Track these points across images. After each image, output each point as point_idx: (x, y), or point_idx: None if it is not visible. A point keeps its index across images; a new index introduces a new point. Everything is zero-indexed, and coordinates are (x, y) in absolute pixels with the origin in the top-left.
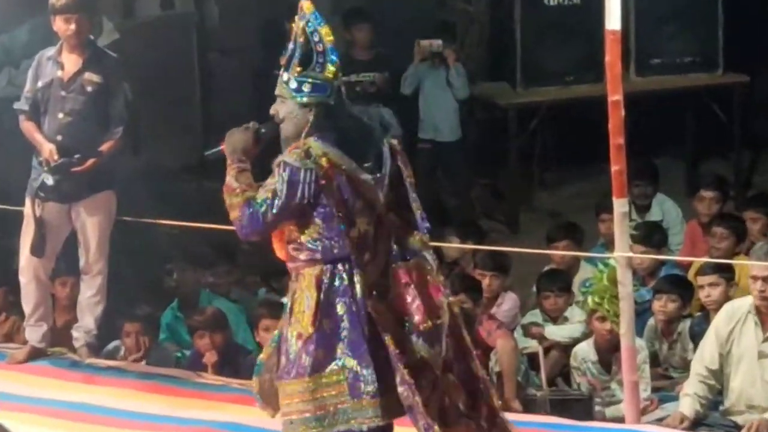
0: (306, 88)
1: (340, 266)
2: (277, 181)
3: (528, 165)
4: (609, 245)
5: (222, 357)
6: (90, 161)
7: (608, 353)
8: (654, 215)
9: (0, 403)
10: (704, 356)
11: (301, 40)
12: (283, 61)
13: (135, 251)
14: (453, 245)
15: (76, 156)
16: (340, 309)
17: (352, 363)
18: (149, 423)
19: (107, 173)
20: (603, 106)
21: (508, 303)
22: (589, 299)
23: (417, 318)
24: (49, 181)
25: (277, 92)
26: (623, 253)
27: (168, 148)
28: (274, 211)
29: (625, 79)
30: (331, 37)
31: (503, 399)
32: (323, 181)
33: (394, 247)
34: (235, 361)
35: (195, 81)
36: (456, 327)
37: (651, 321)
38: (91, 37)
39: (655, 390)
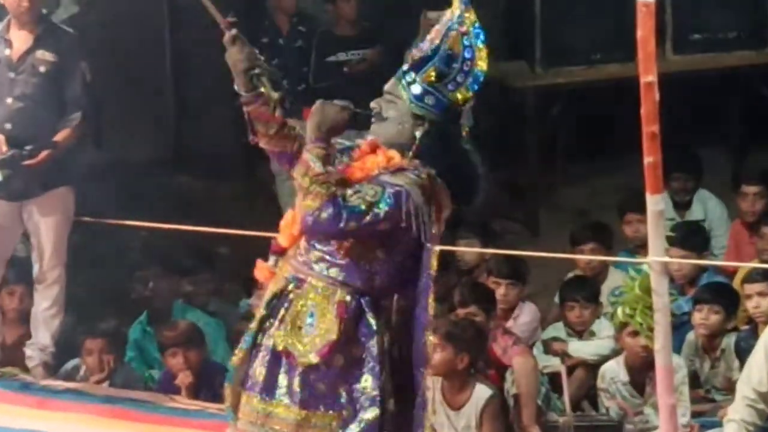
0: (429, 100)
1: (369, 299)
2: (382, 196)
3: (549, 157)
4: (637, 250)
5: (198, 378)
6: (44, 153)
7: (641, 373)
8: (695, 214)
9: None
10: (752, 376)
11: (449, 47)
12: (412, 56)
13: (98, 257)
14: (462, 249)
15: (28, 147)
16: (359, 350)
17: (350, 414)
18: None
19: (63, 167)
20: (635, 89)
21: (526, 315)
22: (619, 311)
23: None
24: (37, 189)
25: (387, 88)
26: (658, 257)
27: (135, 140)
28: (361, 224)
29: (661, 57)
30: (485, 64)
31: (521, 426)
32: (429, 206)
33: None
34: (213, 383)
35: (166, 62)
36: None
37: (691, 336)
38: (44, 11)
39: (695, 415)
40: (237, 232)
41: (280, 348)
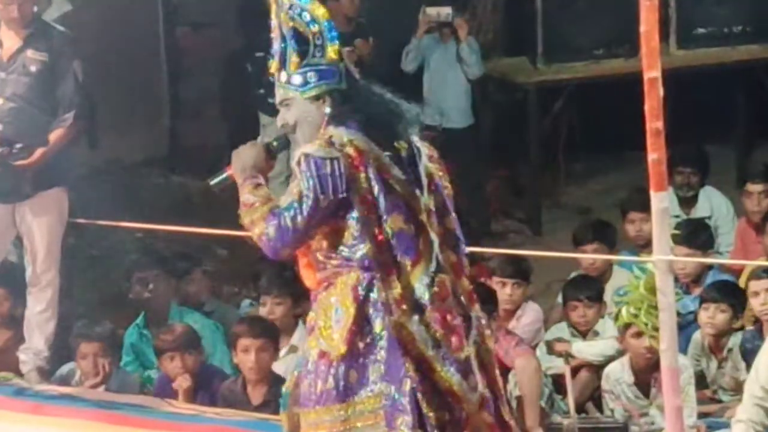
0: (312, 78)
1: (378, 274)
2: (301, 180)
3: (551, 154)
4: (640, 250)
5: (195, 382)
6: (37, 153)
7: (646, 374)
8: (701, 211)
9: None
10: (760, 375)
11: (289, 27)
12: (273, 67)
13: (92, 258)
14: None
15: (18, 146)
16: (377, 326)
17: (389, 389)
18: None
19: (57, 168)
20: (638, 85)
21: (529, 315)
22: (624, 311)
23: (454, 341)
24: (28, 188)
25: (278, 99)
26: (663, 256)
27: (130, 140)
28: (305, 214)
29: (665, 52)
30: (324, 11)
31: (524, 428)
32: (352, 171)
33: (439, 254)
34: (210, 387)
35: (161, 61)
36: (491, 364)
37: (697, 335)
38: (35, 8)
39: (702, 416)
40: (234, 233)
41: (315, 352)
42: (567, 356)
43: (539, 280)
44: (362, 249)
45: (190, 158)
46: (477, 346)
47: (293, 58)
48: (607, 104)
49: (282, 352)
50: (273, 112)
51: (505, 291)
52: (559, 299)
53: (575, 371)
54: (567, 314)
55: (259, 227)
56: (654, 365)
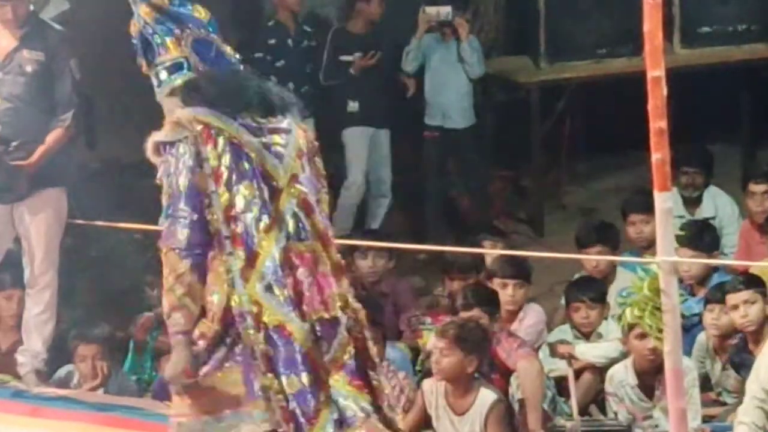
0: (163, 75)
1: (226, 248)
2: (164, 174)
3: (554, 155)
4: (642, 251)
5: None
6: (36, 153)
7: (650, 376)
8: (705, 211)
9: None
10: (761, 376)
11: (138, 34)
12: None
13: (91, 260)
14: (465, 249)
15: (14, 143)
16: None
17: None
18: None
19: (55, 168)
20: (642, 84)
21: (531, 317)
22: (628, 312)
23: (309, 302)
24: (23, 187)
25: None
26: (667, 257)
27: (128, 140)
28: (183, 205)
29: (668, 51)
30: (147, 11)
31: (526, 429)
32: (202, 148)
33: (304, 221)
34: None
35: None
36: (360, 339)
37: (701, 337)
38: (32, 7)
39: (706, 419)
40: None
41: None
42: (570, 358)
43: (542, 282)
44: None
45: None
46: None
47: (144, 62)
48: (610, 104)
49: None
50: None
51: (506, 292)
52: (563, 301)
53: (578, 373)
54: (570, 315)
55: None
56: (658, 367)
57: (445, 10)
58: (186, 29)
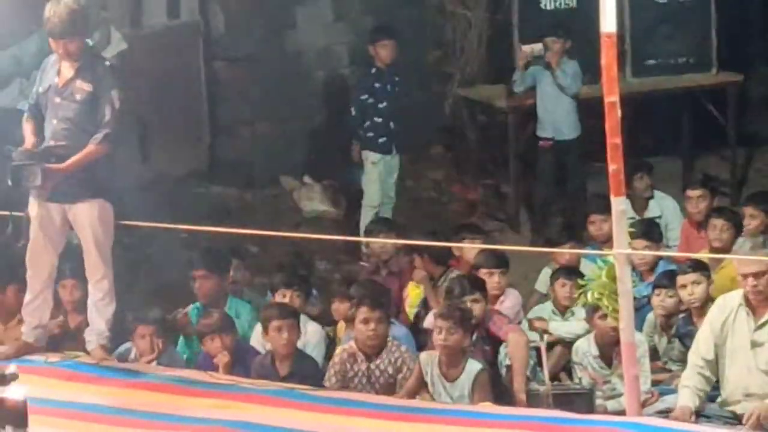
0: None
1: None
2: None
3: (527, 166)
4: (601, 246)
5: (232, 358)
6: (69, 161)
7: (609, 348)
8: (652, 212)
9: None
10: (700, 348)
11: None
12: None
13: (147, 255)
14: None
15: (46, 145)
16: None
17: None
18: (163, 423)
19: (100, 181)
20: (600, 107)
21: (510, 299)
22: (589, 295)
23: None
24: (37, 180)
25: None
26: (622, 250)
27: (176, 156)
28: None
29: (621, 80)
30: None
31: (512, 392)
32: None
33: None
34: (245, 362)
35: (201, 89)
36: None
37: (650, 316)
38: (89, 42)
39: (654, 383)
40: (262, 232)
41: None
42: (543, 332)
43: (518, 272)
44: None
45: (226, 171)
46: None
47: None
48: None
49: None
50: (381, 148)
51: (493, 279)
52: (537, 286)
53: (551, 346)
54: (553, 292)
55: None
56: (615, 341)
57: (538, 47)
58: None
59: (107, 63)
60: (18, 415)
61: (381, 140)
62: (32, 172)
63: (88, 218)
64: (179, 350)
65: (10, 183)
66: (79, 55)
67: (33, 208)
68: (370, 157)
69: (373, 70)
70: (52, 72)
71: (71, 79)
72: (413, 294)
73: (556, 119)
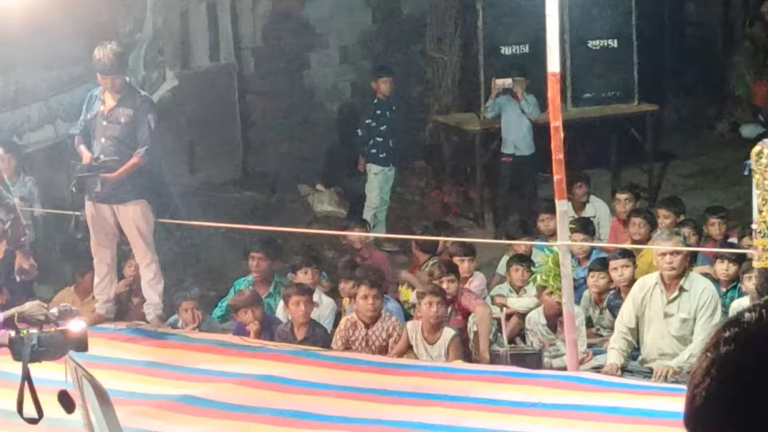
0: None
1: None
2: None
3: (491, 176)
4: (548, 238)
5: (260, 326)
6: (117, 171)
7: (554, 318)
8: (588, 212)
9: (94, 363)
10: (624, 318)
11: None
12: None
13: (192, 246)
14: (442, 239)
15: (97, 157)
16: None
17: None
18: (208, 377)
19: (140, 185)
20: (547, 130)
21: (477, 280)
22: (539, 277)
23: None
24: (98, 187)
25: None
26: (564, 242)
27: (217, 167)
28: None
29: (563, 109)
30: None
31: (478, 352)
32: None
33: None
34: (270, 329)
35: (236, 116)
36: None
37: (586, 293)
38: (127, 79)
39: (589, 346)
40: (285, 229)
41: None
42: (502, 306)
43: (483, 258)
44: None
45: (255, 180)
46: None
47: None
48: None
49: None
50: (382, 162)
51: (464, 265)
52: (498, 270)
53: (509, 317)
54: (510, 274)
55: None
56: (559, 312)
57: (508, 81)
58: None
59: (143, 93)
60: (80, 341)
61: (382, 156)
62: (93, 181)
63: (132, 216)
64: (217, 318)
65: (74, 190)
66: (122, 87)
67: (88, 209)
68: (372, 168)
69: (375, 100)
70: (97, 103)
71: (115, 106)
72: (405, 294)
73: (517, 139)
